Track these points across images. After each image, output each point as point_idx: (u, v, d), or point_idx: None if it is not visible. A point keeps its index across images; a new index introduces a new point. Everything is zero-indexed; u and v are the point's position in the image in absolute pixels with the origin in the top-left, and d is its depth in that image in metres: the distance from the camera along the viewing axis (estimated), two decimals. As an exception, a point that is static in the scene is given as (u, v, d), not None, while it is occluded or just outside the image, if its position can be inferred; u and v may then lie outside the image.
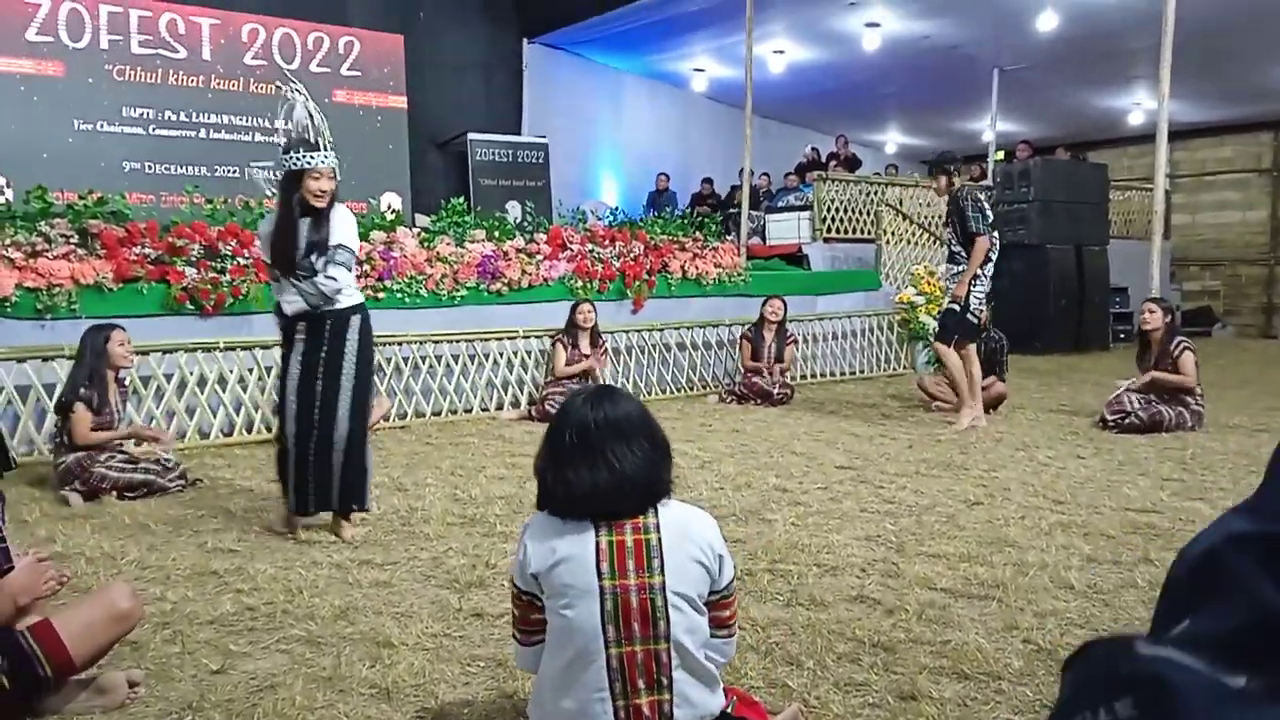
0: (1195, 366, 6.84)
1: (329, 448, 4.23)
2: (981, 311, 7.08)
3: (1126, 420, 6.81)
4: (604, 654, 1.98)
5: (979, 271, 6.94)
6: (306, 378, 4.22)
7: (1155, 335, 6.97)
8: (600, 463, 2.00)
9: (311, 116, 4.24)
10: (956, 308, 6.98)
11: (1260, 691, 0.43)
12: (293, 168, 4.11)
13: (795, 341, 9.01)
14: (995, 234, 7.04)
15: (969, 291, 6.93)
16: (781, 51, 14.23)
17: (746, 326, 9.00)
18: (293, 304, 4.19)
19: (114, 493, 5.04)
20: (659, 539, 2.01)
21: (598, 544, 2.00)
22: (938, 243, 12.14)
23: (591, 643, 1.99)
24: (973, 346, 7.08)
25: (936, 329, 7.37)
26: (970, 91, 15.06)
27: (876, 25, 12.88)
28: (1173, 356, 6.86)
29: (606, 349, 8.17)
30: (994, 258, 7.02)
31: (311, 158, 4.11)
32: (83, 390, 5.07)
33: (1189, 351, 6.82)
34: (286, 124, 4.28)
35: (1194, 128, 16.73)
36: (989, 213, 6.96)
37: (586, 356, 7.83)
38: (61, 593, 3.00)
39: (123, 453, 5.29)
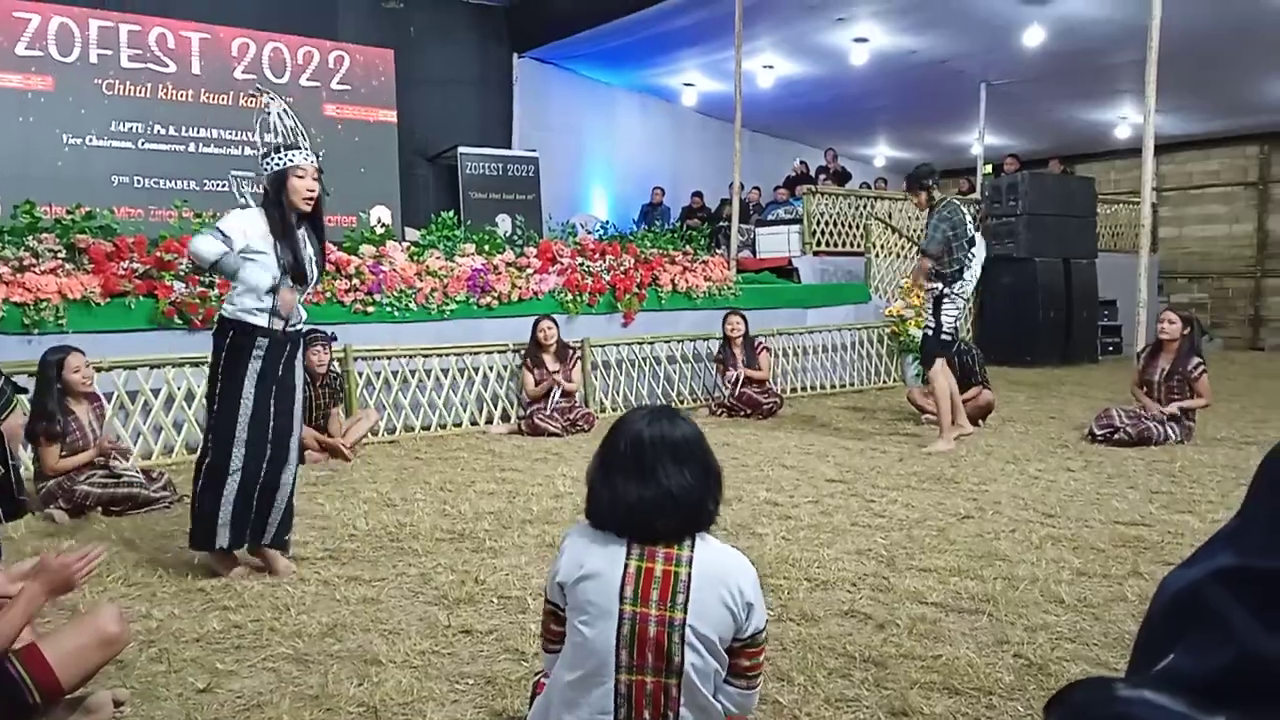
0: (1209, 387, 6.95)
1: (278, 477, 3.97)
2: (955, 330, 7.00)
3: (1115, 435, 6.82)
4: (614, 677, 1.97)
5: (949, 291, 6.80)
6: (263, 401, 3.93)
7: (1171, 345, 6.96)
8: (649, 478, 2.01)
9: (284, 118, 4.12)
10: (930, 331, 6.93)
11: None
12: (278, 168, 3.92)
13: (767, 349, 9.00)
14: (975, 251, 6.86)
15: (940, 312, 6.83)
16: (771, 66, 14.29)
17: (717, 348, 9.02)
18: (259, 316, 3.90)
19: (99, 508, 5.01)
20: (689, 575, 1.99)
21: (626, 567, 1.99)
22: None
23: (604, 663, 1.97)
24: (941, 361, 6.90)
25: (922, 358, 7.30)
26: (958, 105, 15.14)
27: (865, 40, 12.95)
28: (1190, 378, 6.87)
29: (577, 357, 8.12)
30: (969, 277, 6.80)
31: (294, 156, 3.94)
32: (43, 424, 4.98)
33: (1206, 374, 6.88)
34: (265, 135, 4.10)
35: (1180, 141, 16.86)
36: (967, 229, 6.74)
37: (554, 373, 7.78)
38: (48, 613, 2.97)
39: (105, 468, 5.25)
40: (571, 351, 8.05)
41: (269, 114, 4.14)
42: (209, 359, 4.02)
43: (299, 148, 4.00)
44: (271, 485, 3.96)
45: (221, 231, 3.87)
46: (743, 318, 8.87)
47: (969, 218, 6.91)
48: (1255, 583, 0.46)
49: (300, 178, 3.92)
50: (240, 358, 3.90)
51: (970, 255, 6.78)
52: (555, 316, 8.07)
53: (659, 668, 1.97)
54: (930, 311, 6.91)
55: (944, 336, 6.88)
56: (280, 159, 3.94)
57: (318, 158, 4.10)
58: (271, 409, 3.95)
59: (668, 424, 2.08)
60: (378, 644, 3.15)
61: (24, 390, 5.26)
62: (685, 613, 1.96)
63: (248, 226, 3.91)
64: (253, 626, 3.34)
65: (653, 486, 2.00)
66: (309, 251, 4.04)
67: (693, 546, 2.02)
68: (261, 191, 4.06)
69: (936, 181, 6.96)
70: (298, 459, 4.10)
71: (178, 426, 6.56)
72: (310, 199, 3.96)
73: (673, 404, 9.01)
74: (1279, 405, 9.04)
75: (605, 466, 2.07)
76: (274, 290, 3.91)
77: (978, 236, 6.97)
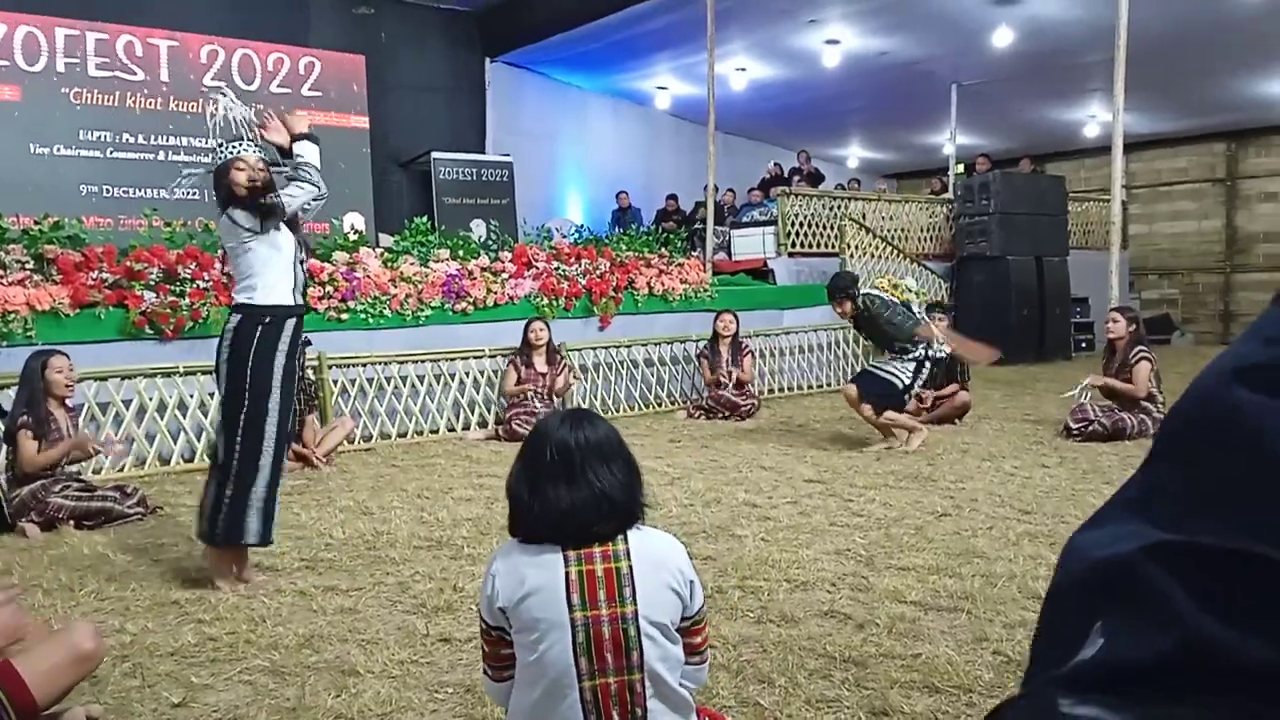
0: (1151, 375, 6.94)
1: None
2: (913, 392, 6.97)
3: (1090, 428, 6.88)
4: (577, 687, 1.95)
5: (932, 354, 6.77)
6: (288, 387, 3.95)
7: (1119, 343, 7.08)
8: (581, 482, 1.99)
9: (231, 109, 4.20)
10: (900, 385, 6.76)
11: None
12: (219, 161, 3.97)
13: (751, 353, 9.02)
14: (924, 313, 6.86)
15: (918, 374, 6.80)
16: (743, 69, 14.33)
17: (702, 344, 9.03)
18: (288, 293, 3.94)
19: (71, 522, 4.94)
20: (630, 567, 1.98)
21: (567, 574, 1.97)
22: (901, 256, 12.26)
23: (564, 676, 1.95)
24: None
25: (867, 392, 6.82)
26: (929, 106, 15.24)
27: (836, 42, 13.01)
28: (1130, 365, 6.96)
29: (568, 365, 8.14)
30: (937, 349, 6.78)
31: (236, 147, 3.98)
32: (23, 417, 4.96)
33: (1145, 360, 6.93)
34: (221, 141, 4.12)
35: (1149, 139, 17.04)
36: (910, 291, 6.86)
37: (543, 375, 7.77)
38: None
39: (79, 481, 5.19)
40: (560, 357, 8.04)
41: (222, 111, 4.22)
42: (223, 356, 3.93)
43: (241, 139, 4.05)
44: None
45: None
46: (735, 317, 8.88)
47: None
48: (1189, 558, 0.43)
49: (240, 169, 3.93)
50: (272, 343, 3.89)
51: (935, 317, 6.88)
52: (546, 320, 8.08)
53: (620, 666, 1.96)
54: (909, 372, 6.76)
55: (905, 396, 6.83)
56: (223, 152, 3.98)
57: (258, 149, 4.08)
58: (287, 395, 3.97)
59: (589, 426, 2.07)
60: (355, 654, 3.12)
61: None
62: (635, 604, 1.96)
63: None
64: (228, 639, 3.30)
65: (585, 489, 1.98)
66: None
67: (626, 539, 2.02)
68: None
69: (854, 290, 6.86)
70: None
71: (150, 438, 6.49)
72: (252, 188, 3.93)
73: (650, 407, 9.02)
74: (1250, 399, 9.13)
75: (532, 477, 2.04)
76: (301, 261, 4.05)
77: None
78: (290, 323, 3.95)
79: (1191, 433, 0.47)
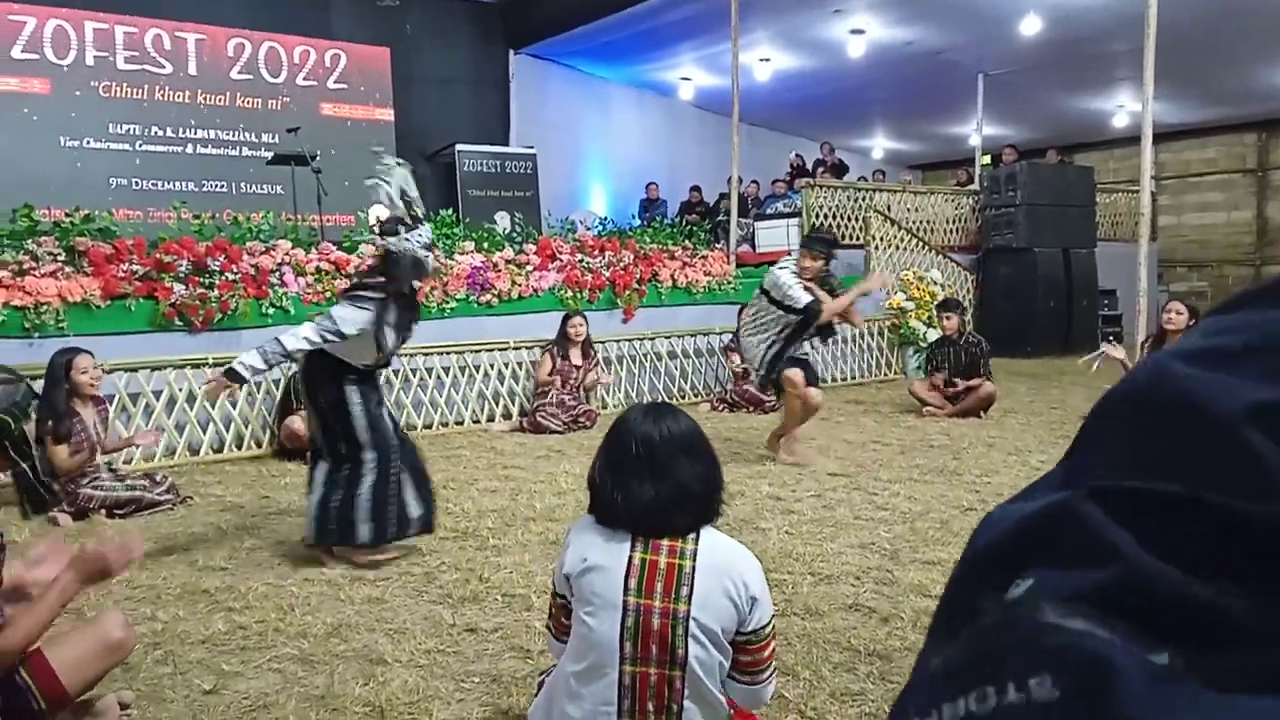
0: None
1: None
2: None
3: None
4: (618, 669, 1.98)
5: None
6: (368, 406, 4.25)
7: (1175, 335, 6.93)
8: (665, 476, 2.02)
9: (407, 188, 4.29)
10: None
11: (1184, 671, 0.38)
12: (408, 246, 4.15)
13: None
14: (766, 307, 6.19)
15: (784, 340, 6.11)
16: (767, 59, 14.27)
17: (728, 337, 9.02)
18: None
19: (103, 511, 5.02)
20: (693, 567, 2.00)
21: (630, 559, 2.00)
22: (926, 248, 12.19)
23: (608, 655, 1.98)
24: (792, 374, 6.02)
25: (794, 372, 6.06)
26: (955, 96, 15.12)
27: (861, 32, 12.93)
28: None
29: (598, 360, 8.16)
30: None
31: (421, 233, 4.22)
32: (50, 423, 4.99)
33: None
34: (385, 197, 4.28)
35: (1178, 129, 16.83)
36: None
37: (577, 368, 7.81)
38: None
39: (110, 470, 5.26)
40: (594, 352, 8.08)
41: (389, 182, 4.25)
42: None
43: (403, 223, 4.18)
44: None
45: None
46: None
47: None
48: (1128, 500, 0.41)
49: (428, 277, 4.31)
50: (366, 383, 4.28)
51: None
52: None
53: (663, 660, 1.97)
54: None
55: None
56: (414, 239, 4.17)
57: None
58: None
59: (671, 420, 2.10)
60: (383, 644, 3.16)
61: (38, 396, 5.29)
62: (689, 604, 1.97)
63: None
64: (258, 628, 3.35)
65: (669, 484, 2.02)
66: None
67: (697, 539, 2.03)
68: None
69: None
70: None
71: (180, 428, 6.57)
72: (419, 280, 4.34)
73: (674, 399, 9.02)
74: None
75: (615, 469, 2.07)
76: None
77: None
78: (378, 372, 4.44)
79: (1122, 406, 0.46)
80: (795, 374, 5.96)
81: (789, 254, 11.99)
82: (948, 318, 8.16)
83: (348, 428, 4.13)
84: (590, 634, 2.00)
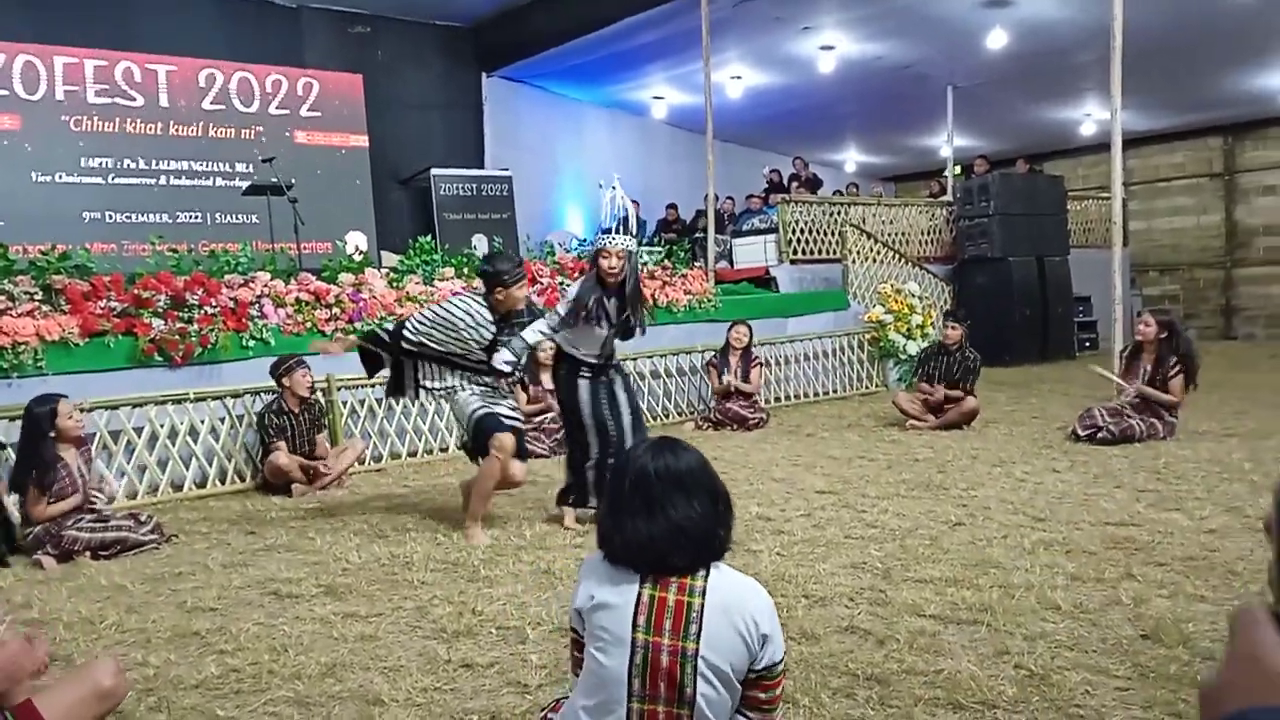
0: (1185, 388, 6.90)
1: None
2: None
3: (1098, 435, 6.87)
4: (625, 705, 1.97)
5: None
6: (596, 402, 5.21)
7: (1149, 346, 6.98)
8: (658, 514, 1.99)
9: (613, 204, 5.04)
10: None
11: None
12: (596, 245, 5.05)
13: (761, 363, 9.03)
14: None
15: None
16: (739, 77, 14.38)
17: (713, 354, 9.03)
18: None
19: (87, 553, 4.95)
20: (702, 604, 1.98)
21: (639, 596, 1.99)
22: (903, 260, 12.27)
23: (616, 691, 1.97)
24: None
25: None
26: (926, 109, 15.28)
27: (831, 48, 13.06)
28: (1166, 375, 6.89)
29: None
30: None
31: (603, 240, 5.04)
32: (33, 474, 4.94)
33: (1182, 374, 6.85)
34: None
35: (1146, 135, 17.07)
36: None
37: (550, 393, 7.78)
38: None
39: (93, 511, 5.20)
40: None
41: (609, 199, 5.09)
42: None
43: (612, 231, 5.01)
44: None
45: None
46: (749, 329, 8.88)
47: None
48: None
49: (605, 258, 4.98)
50: (590, 377, 5.26)
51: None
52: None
53: (671, 698, 1.97)
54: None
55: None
56: (600, 240, 5.11)
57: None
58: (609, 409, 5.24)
59: (671, 455, 2.08)
60: (379, 683, 3.13)
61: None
62: (698, 643, 1.95)
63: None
64: (250, 670, 3.31)
65: (662, 522, 1.99)
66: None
67: (706, 576, 2.01)
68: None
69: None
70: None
71: (162, 465, 6.51)
72: (611, 274, 5.00)
73: (658, 419, 9.02)
74: (1257, 396, 9.16)
75: (613, 507, 2.07)
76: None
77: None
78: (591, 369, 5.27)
79: None
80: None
81: (767, 271, 12.13)
82: (953, 327, 8.18)
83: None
84: (600, 670, 2.00)
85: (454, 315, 4.97)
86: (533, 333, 5.04)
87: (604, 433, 5.17)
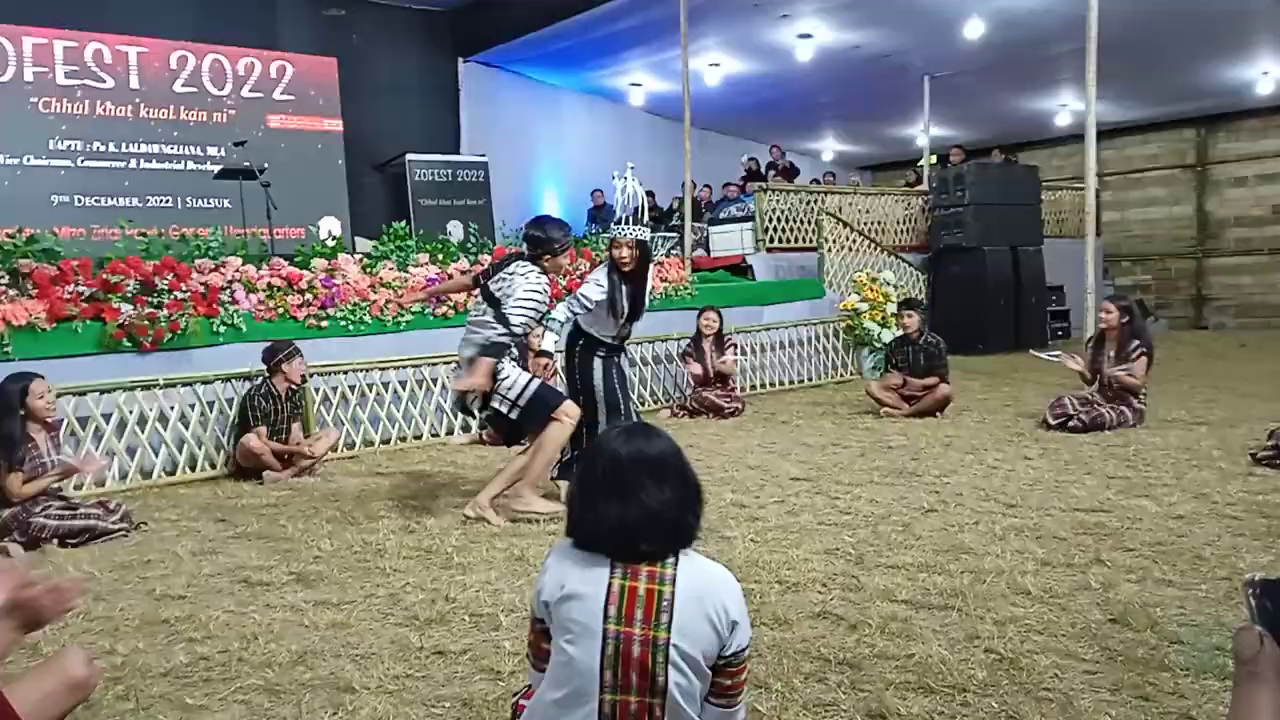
0: (1147, 370, 6.97)
1: None
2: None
3: (1069, 424, 6.93)
4: (598, 697, 1.95)
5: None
6: (609, 380, 5.41)
7: (1111, 333, 7.06)
8: (630, 498, 1.98)
9: (624, 194, 5.28)
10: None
11: None
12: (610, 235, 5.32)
13: (735, 345, 9.03)
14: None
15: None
16: (717, 64, 14.35)
17: (686, 343, 9.03)
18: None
19: (55, 541, 4.89)
20: (672, 593, 1.97)
21: (610, 586, 1.97)
22: (878, 249, 12.31)
23: (588, 684, 1.96)
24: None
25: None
26: (902, 98, 15.32)
27: (809, 36, 13.06)
28: (1129, 358, 6.96)
29: (556, 370, 8.10)
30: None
31: (615, 230, 5.30)
32: (5, 451, 4.87)
33: (1145, 356, 6.94)
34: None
35: (1120, 126, 17.21)
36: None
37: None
38: (12, 655, 2.89)
39: (61, 499, 5.13)
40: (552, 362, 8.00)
41: (622, 189, 5.30)
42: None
43: (623, 222, 5.24)
44: None
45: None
46: (718, 314, 8.88)
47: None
48: None
49: (616, 248, 5.21)
50: (604, 355, 5.48)
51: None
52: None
53: (643, 688, 1.96)
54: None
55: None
56: (611, 230, 5.37)
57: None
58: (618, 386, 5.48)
59: (644, 441, 2.07)
60: (350, 670, 3.11)
61: None
62: (669, 632, 1.95)
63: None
64: (220, 658, 3.28)
65: (634, 506, 1.97)
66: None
67: (676, 564, 2.01)
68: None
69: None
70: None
71: (131, 452, 6.44)
72: (623, 264, 5.20)
73: (633, 405, 9.01)
74: (1227, 384, 9.26)
75: (585, 490, 2.05)
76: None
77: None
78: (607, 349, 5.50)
79: None
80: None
81: (743, 259, 12.13)
82: (909, 316, 8.23)
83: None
84: (570, 662, 1.98)
85: (541, 293, 5.00)
86: (563, 313, 5.21)
87: (614, 409, 5.37)
